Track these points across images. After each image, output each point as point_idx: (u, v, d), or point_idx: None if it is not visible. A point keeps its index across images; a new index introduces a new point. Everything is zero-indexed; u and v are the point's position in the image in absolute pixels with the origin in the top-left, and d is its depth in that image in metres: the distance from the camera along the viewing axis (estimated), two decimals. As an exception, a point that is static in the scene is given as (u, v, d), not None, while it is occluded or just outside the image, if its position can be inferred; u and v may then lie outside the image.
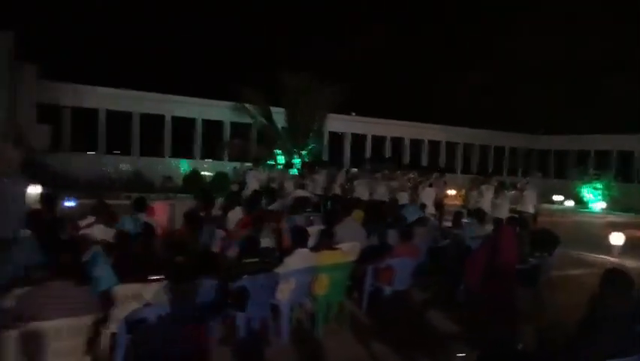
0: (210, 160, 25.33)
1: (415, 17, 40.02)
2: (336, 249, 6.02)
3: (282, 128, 21.42)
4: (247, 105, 21.26)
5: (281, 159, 20.20)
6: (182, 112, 25.31)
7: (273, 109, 21.26)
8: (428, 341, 6.04)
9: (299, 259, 5.48)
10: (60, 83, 22.97)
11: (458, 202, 15.77)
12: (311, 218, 8.46)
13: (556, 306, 7.76)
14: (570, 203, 27.00)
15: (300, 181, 13.26)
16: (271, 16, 36.97)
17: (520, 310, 6.70)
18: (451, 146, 33.21)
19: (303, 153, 21.57)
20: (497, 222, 8.35)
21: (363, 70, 35.20)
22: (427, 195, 12.01)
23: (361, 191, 13.10)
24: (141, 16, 33.91)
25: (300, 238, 5.73)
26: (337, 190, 13.52)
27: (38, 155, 20.69)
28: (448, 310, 7.00)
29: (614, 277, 3.54)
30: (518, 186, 12.95)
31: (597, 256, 12.48)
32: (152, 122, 25.20)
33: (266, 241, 6.21)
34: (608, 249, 12.75)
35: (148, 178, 23.08)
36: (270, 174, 15.29)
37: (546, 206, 25.49)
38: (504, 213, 12.45)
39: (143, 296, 3.73)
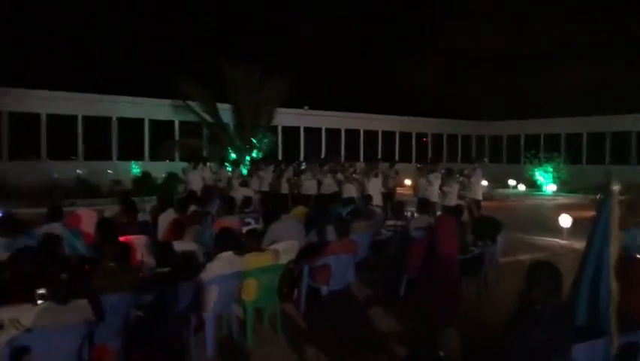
0: (161, 162, 24.65)
1: (363, 6, 39.70)
2: (264, 250, 5.64)
3: (231, 124, 20.83)
4: (192, 103, 20.57)
5: (232, 157, 19.65)
6: (129, 113, 24.53)
7: (220, 105, 20.65)
8: (366, 341, 5.76)
9: (222, 264, 5.09)
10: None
11: (412, 192, 15.61)
12: (245, 220, 8.05)
13: (503, 294, 7.61)
14: (522, 187, 27.26)
15: (244, 179, 12.81)
16: (214, 7, 35.95)
17: (462, 302, 6.49)
18: (405, 136, 33.26)
19: (255, 149, 21.09)
20: (446, 210, 8.18)
21: (314, 62, 34.84)
22: (373, 186, 11.73)
23: (309, 185, 12.78)
24: (79, 15, 32.67)
25: (223, 241, 5.32)
26: (284, 186, 13.16)
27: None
28: (390, 307, 6.74)
29: (539, 272, 3.29)
30: (465, 172, 12.82)
31: (547, 239, 12.46)
32: (98, 125, 24.35)
33: (192, 246, 5.80)
34: (558, 231, 12.76)
35: (95, 183, 22.20)
36: (219, 173, 14.84)
37: (501, 191, 25.77)
38: (453, 201, 12.33)
39: (20, 321, 3.28)
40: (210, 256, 5.31)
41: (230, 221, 7.39)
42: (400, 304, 6.76)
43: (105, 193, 21.13)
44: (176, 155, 23.80)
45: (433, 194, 12.03)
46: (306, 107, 29.93)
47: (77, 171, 22.72)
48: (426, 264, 6.52)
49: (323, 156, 22.94)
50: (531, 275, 3.27)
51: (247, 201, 8.57)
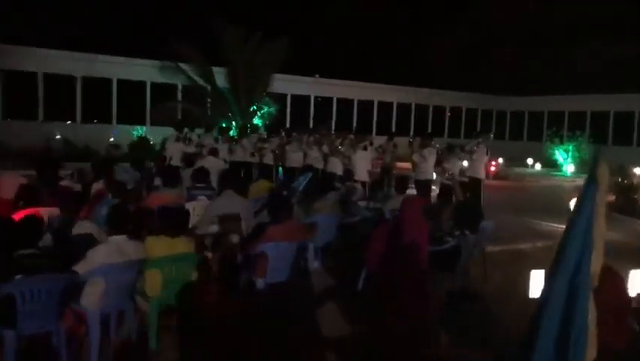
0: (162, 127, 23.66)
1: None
2: (178, 235, 4.53)
3: (225, 88, 19.61)
4: (184, 65, 19.35)
5: (223, 123, 18.54)
6: (129, 75, 23.57)
7: (216, 69, 19.43)
8: (301, 346, 4.73)
9: (108, 251, 4.05)
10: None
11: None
12: (197, 195, 6.94)
13: (490, 290, 6.52)
14: (538, 166, 25.67)
15: (215, 146, 11.72)
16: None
17: (429, 299, 5.40)
18: (421, 109, 31.80)
19: (255, 116, 19.96)
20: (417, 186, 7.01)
21: (329, 29, 33.27)
22: (360, 160, 10.49)
23: (294, 157, 11.65)
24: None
25: (116, 220, 4.24)
26: (269, 157, 12.06)
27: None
28: (343, 303, 5.68)
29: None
30: (467, 148, 11.54)
31: (554, 225, 11.23)
32: (97, 87, 23.47)
33: (91, 227, 4.77)
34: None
35: (93, 147, 21.39)
36: (203, 140, 13.81)
37: (517, 170, 24.36)
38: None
39: None
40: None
41: (169, 196, 6.33)
42: (355, 301, 5.69)
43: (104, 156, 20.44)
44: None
45: (428, 171, 10.83)
46: (316, 75, 28.67)
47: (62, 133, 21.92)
48: (388, 254, 5.43)
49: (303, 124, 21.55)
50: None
51: (201, 172, 7.43)
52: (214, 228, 5.89)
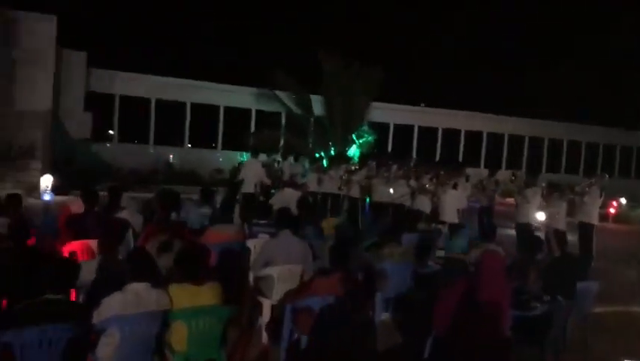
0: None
1: None
2: (202, 283, 4.03)
3: (323, 117, 19.30)
4: (282, 93, 19.29)
5: (322, 153, 18.24)
6: (235, 102, 24.11)
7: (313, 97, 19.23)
8: None
9: (124, 301, 3.62)
10: (111, 70, 22.46)
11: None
12: (258, 232, 6.45)
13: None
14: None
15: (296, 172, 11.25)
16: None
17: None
18: (535, 141, 29.72)
19: (353, 145, 19.46)
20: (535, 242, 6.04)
21: (436, 59, 32.34)
22: (448, 200, 9.43)
23: (381, 191, 10.92)
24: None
25: (138, 266, 3.82)
26: (355, 190, 11.41)
27: (79, 143, 20.40)
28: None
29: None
30: (577, 189, 10.17)
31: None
32: (204, 113, 24.24)
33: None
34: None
35: (198, 171, 22.03)
36: (291, 167, 13.54)
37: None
38: (560, 224, 9.86)
39: None
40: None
41: (226, 232, 5.89)
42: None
43: (205, 182, 20.91)
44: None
45: (529, 214, 9.66)
46: (422, 105, 27.81)
47: (170, 157, 22.75)
48: (459, 318, 4.61)
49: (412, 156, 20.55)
50: None
51: (263, 208, 6.95)
52: (269, 271, 5.38)
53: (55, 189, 15.66)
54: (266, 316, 5.30)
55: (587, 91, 32.08)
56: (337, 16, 33.71)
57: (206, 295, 3.98)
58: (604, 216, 16.75)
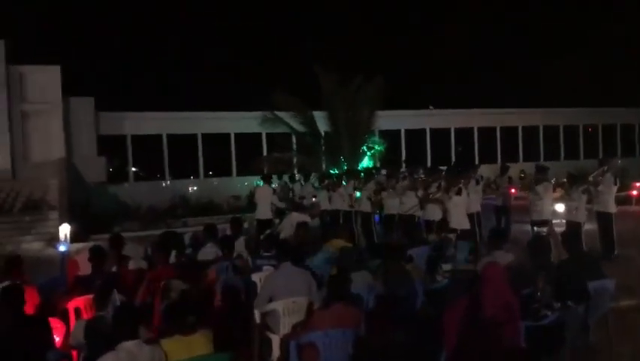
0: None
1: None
2: (191, 332, 3.93)
3: (330, 133, 19.23)
4: (284, 113, 19.27)
5: (335, 170, 18.13)
6: (244, 128, 24.20)
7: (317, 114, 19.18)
8: None
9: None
10: (119, 112, 22.79)
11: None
12: (263, 265, 6.34)
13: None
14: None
15: (305, 193, 11.17)
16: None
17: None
18: (550, 130, 29.22)
19: (364, 156, 19.33)
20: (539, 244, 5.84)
21: (438, 60, 32.27)
22: (454, 208, 8.95)
23: (391, 204, 10.76)
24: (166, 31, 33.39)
25: (123, 322, 3.70)
26: (366, 205, 11.26)
27: (96, 187, 20.67)
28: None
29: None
30: (590, 178, 9.92)
31: None
32: (215, 142, 24.39)
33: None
34: None
35: (215, 200, 22.14)
36: (303, 188, 13.49)
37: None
38: (581, 217, 9.59)
39: None
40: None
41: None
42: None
43: (226, 210, 20.98)
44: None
45: (544, 211, 9.42)
46: (430, 107, 27.61)
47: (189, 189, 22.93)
48: (467, 336, 4.48)
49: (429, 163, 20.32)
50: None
51: (268, 239, 6.84)
52: (273, 305, 5.31)
53: (75, 237, 15.94)
54: (276, 352, 5.22)
55: (587, 76, 31.77)
56: (332, 31, 33.95)
57: (199, 343, 3.92)
58: (627, 199, 16.30)
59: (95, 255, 5.85)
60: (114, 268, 6.06)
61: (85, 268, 6.45)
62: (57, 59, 20.34)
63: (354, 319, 4.50)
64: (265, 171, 14.71)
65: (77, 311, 5.27)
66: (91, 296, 5.27)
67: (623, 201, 14.09)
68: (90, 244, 12.30)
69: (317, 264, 6.45)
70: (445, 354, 4.82)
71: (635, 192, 17.20)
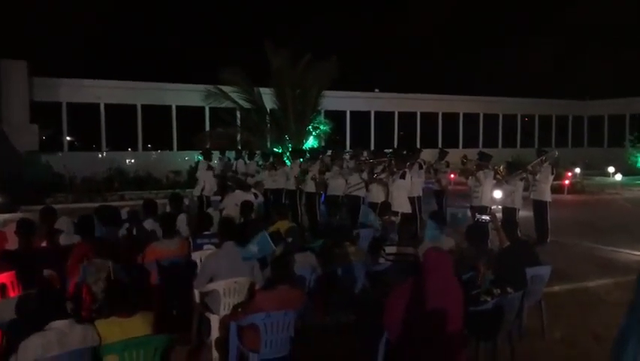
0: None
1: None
2: (130, 315, 3.78)
3: (276, 111, 18.96)
4: (231, 88, 18.84)
5: (280, 148, 17.94)
6: (187, 101, 23.54)
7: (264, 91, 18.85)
8: None
9: (45, 342, 3.35)
10: (55, 78, 21.66)
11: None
12: (203, 244, 6.16)
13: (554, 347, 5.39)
14: (619, 176, 22.19)
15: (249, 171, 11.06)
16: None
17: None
18: (490, 118, 30.03)
19: (309, 136, 19.18)
20: (477, 231, 5.94)
21: (387, 43, 32.41)
22: (396, 191, 8.95)
23: (335, 185, 10.74)
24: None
25: (47, 302, 3.50)
26: (310, 185, 11.20)
27: (28, 155, 19.67)
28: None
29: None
30: (529, 167, 10.24)
31: (636, 253, 9.75)
32: (157, 114, 23.64)
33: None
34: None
35: (154, 175, 21.48)
36: (246, 166, 13.29)
37: (597, 180, 22.32)
38: (517, 204, 9.87)
39: None
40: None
41: (167, 248, 5.66)
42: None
43: (165, 185, 20.44)
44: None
45: (484, 197, 9.64)
46: (376, 90, 27.78)
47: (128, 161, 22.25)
48: (409, 321, 4.48)
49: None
50: None
51: (205, 218, 6.60)
52: (213, 286, 5.17)
53: (3, 207, 15.15)
54: (215, 332, 5.10)
55: (537, 67, 32.74)
56: (285, 8, 33.46)
57: (137, 326, 3.75)
58: (559, 188, 17.02)
59: (23, 228, 5.48)
60: (44, 243, 5.73)
61: (12, 242, 6.10)
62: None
63: (297, 300, 4.42)
64: (208, 147, 14.31)
65: (2, 288, 4.97)
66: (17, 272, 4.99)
67: (555, 190, 14.73)
68: (18, 215, 11.75)
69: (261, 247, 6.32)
70: (387, 338, 4.84)
71: (567, 182, 17.97)
